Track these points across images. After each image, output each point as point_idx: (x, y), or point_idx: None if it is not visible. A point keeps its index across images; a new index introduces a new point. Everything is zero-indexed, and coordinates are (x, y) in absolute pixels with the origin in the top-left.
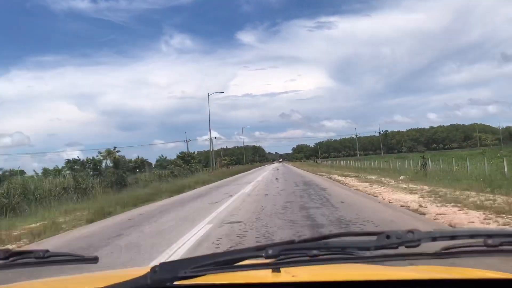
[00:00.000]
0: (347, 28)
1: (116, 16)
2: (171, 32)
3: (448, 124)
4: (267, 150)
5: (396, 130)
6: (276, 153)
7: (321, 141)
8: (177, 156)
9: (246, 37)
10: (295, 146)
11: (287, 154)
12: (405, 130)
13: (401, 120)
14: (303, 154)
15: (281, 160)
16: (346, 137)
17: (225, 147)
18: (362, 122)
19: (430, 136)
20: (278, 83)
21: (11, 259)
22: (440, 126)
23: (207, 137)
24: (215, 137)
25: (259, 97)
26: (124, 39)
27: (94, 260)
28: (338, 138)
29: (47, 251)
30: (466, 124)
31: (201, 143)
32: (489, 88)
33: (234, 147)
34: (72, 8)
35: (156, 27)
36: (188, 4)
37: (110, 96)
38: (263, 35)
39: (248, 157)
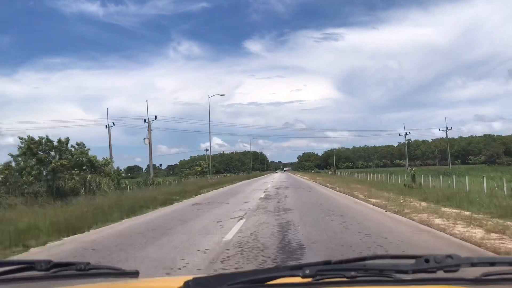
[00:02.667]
0: (354, 40)
1: (125, 20)
2: (179, 38)
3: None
4: (270, 159)
5: (420, 140)
6: (280, 162)
7: (331, 149)
8: None
9: (253, 46)
10: (301, 154)
11: (291, 163)
12: (430, 140)
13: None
14: (312, 163)
15: (285, 169)
16: (360, 146)
17: (222, 151)
18: (366, 134)
19: (463, 147)
20: (283, 93)
21: (52, 270)
22: (473, 137)
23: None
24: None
25: (264, 106)
26: (132, 43)
27: (135, 274)
28: (350, 147)
29: (88, 263)
30: (503, 135)
31: (204, 150)
32: (495, 105)
33: (232, 152)
34: (82, 11)
35: (164, 33)
36: (196, 11)
37: (116, 100)
38: (270, 44)
39: (248, 165)
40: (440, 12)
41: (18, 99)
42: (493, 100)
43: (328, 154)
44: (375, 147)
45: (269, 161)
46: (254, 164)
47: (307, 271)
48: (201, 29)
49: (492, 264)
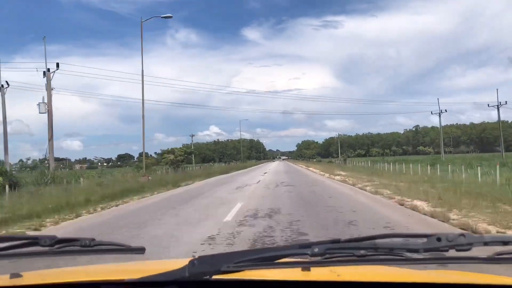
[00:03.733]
0: (353, 28)
1: (122, 8)
2: (177, 26)
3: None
4: (268, 147)
5: (429, 126)
6: (278, 150)
7: (332, 136)
8: None
9: (251, 33)
10: (300, 142)
11: (290, 152)
12: (436, 126)
13: (403, 122)
14: (313, 151)
15: (284, 158)
16: (363, 133)
17: (217, 139)
18: (365, 122)
19: (477, 135)
20: (282, 81)
21: (57, 246)
22: (487, 123)
23: (208, 132)
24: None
25: (263, 94)
26: (129, 31)
27: (141, 250)
28: (353, 134)
29: (93, 239)
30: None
31: (201, 138)
32: (494, 93)
33: (228, 140)
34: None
35: (162, 21)
36: None
37: (113, 88)
38: (269, 32)
39: (244, 154)
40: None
41: (13, 87)
42: (492, 88)
43: (329, 142)
44: (379, 134)
45: (267, 149)
46: (250, 152)
47: (316, 249)
48: (199, 17)
49: (506, 243)
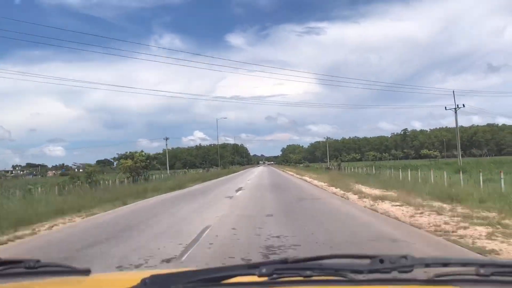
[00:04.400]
0: (336, 34)
1: (106, 12)
2: (161, 31)
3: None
4: (252, 153)
5: (418, 130)
6: (262, 155)
7: (318, 141)
8: None
9: (235, 39)
10: (285, 147)
11: (274, 157)
12: (428, 130)
13: (386, 127)
14: (299, 156)
15: (269, 163)
16: (350, 137)
17: (199, 144)
18: (348, 127)
19: (467, 138)
20: (266, 86)
21: (0, 268)
22: (477, 126)
23: (192, 137)
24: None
25: (247, 100)
26: (113, 36)
27: (86, 272)
28: (339, 138)
29: (38, 261)
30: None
31: (186, 143)
32: (473, 98)
33: (210, 145)
34: (62, 3)
35: (146, 26)
36: (178, 4)
37: (97, 93)
38: (253, 38)
39: (227, 158)
40: (420, 6)
41: None
42: (472, 94)
43: (315, 146)
44: (366, 138)
45: (251, 154)
46: (233, 157)
47: (264, 270)
48: (183, 22)
49: (445, 264)
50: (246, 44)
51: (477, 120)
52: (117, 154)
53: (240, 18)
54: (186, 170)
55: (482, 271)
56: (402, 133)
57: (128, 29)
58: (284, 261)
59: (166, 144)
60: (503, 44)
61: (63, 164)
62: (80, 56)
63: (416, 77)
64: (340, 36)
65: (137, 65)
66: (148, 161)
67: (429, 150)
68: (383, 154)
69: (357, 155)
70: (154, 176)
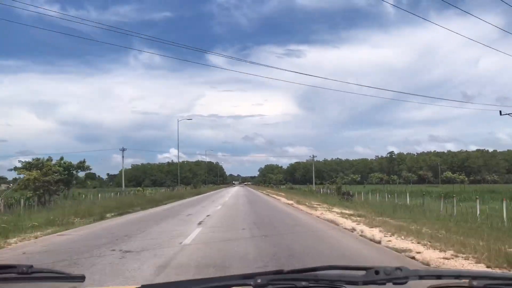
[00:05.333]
0: (316, 57)
1: (85, 26)
2: (140, 46)
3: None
4: (229, 172)
5: (405, 153)
6: (239, 175)
7: (298, 161)
8: None
9: (215, 58)
10: (263, 167)
11: (251, 177)
12: (415, 154)
13: (362, 151)
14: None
15: (246, 183)
16: (332, 158)
17: (171, 161)
18: (324, 150)
19: (458, 163)
20: (244, 106)
21: None
22: (468, 152)
23: (168, 154)
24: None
25: (225, 119)
26: (91, 49)
27: (81, 278)
28: (321, 159)
29: (31, 266)
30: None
31: (161, 160)
32: (449, 126)
33: (183, 162)
34: (40, 14)
35: (125, 41)
36: (159, 20)
37: (71, 106)
38: (233, 57)
39: (201, 177)
40: (399, 34)
41: None
42: (446, 122)
43: (294, 167)
44: (348, 160)
45: (227, 174)
46: (207, 176)
47: (259, 280)
48: (163, 39)
49: (439, 277)
50: (226, 63)
51: (451, 148)
52: (20, 161)
53: (221, 37)
54: (140, 189)
55: (475, 283)
56: (388, 156)
57: (107, 43)
58: (280, 272)
59: (123, 156)
60: (477, 73)
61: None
62: (55, 68)
63: (393, 102)
64: (319, 59)
65: (113, 80)
66: (67, 172)
67: (453, 173)
68: (391, 176)
69: (356, 176)
70: (83, 196)
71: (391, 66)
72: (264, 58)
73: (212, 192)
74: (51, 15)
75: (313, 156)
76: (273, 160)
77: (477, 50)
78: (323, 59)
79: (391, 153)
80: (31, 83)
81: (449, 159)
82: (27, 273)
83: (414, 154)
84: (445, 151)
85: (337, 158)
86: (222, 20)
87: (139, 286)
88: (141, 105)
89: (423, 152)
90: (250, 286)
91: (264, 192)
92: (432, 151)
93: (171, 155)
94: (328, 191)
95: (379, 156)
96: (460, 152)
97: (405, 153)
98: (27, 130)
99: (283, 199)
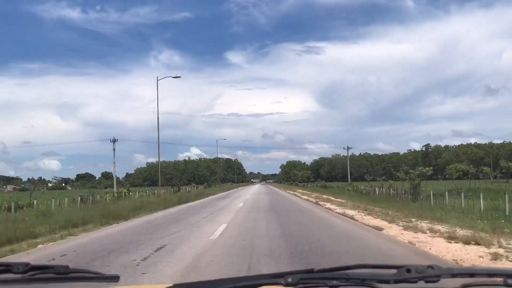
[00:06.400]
0: (335, 54)
1: (105, 28)
2: (160, 47)
3: None
4: (249, 170)
5: (442, 145)
6: (259, 173)
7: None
8: None
9: (234, 57)
10: (284, 163)
11: (272, 175)
12: (453, 146)
13: (383, 147)
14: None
15: (269, 181)
16: (360, 153)
17: (187, 157)
18: (345, 146)
19: (506, 155)
20: (264, 104)
21: (30, 273)
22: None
23: (188, 153)
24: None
25: (245, 117)
26: (112, 51)
27: (115, 278)
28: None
29: (67, 267)
30: None
31: (180, 159)
32: (471, 121)
33: (200, 159)
34: (62, 17)
35: (145, 42)
36: (178, 20)
37: (93, 108)
38: (252, 56)
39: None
40: (419, 29)
41: None
42: (470, 117)
43: (319, 163)
44: (377, 155)
45: (248, 172)
46: (226, 174)
47: (289, 279)
48: (183, 39)
49: (472, 275)
50: (245, 62)
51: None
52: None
53: (240, 36)
54: (125, 190)
55: (510, 281)
56: (423, 149)
57: (127, 44)
58: (310, 271)
59: (114, 149)
60: (501, 66)
61: (40, 177)
62: (77, 70)
63: (414, 98)
64: (339, 56)
65: (134, 81)
66: None
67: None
68: (480, 168)
69: (428, 169)
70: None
71: (412, 61)
72: (283, 55)
73: (216, 196)
74: (72, 17)
75: (348, 148)
76: (293, 158)
77: (500, 43)
78: (342, 55)
79: (427, 145)
80: (54, 86)
81: (493, 151)
82: (63, 273)
83: (452, 147)
84: (486, 143)
85: (366, 152)
86: (240, 19)
87: (171, 285)
88: (161, 105)
89: (461, 144)
90: (281, 285)
91: (294, 193)
92: (473, 143)
93: (192, 153)
94: (396, 191)
95: (412, 150)
96: (503, 144)
97: (442, 146)
98: (51, 132)
99: (356, 214)
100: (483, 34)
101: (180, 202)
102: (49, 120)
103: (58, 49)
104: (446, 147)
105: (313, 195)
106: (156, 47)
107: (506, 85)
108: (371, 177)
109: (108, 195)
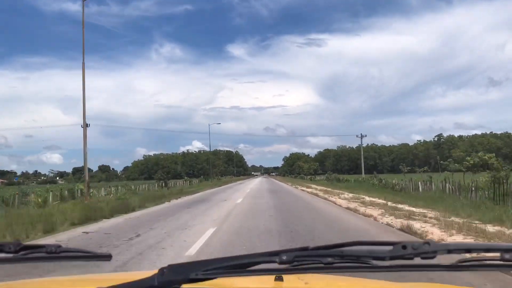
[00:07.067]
0: (337, 46)
1: (107, 21)
2: (162, 40)
3: None
4: (251, 163)
5: (456, 135)
6: (261, 166)
7: (327, 148)
8: None
9: (236, 50)
10: (287, 156)
11: (274, 168)
12: (466, 135)
13: (385, 140)
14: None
15: (271, 174)
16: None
17: (186, 150)
18: (347, 140)
19: None
20: (266, 97)
21: (21, 252)
22: None
23: (190, 146)
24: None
25: (247, 110)
26: (113, 44)
27: (107, 257)
28: (354, 146)
29: (59, 246)
30: None
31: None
32: (474, 113)
33: (200, 151)
34: (63, 10)
35: (147, 35)
36: (179, 13)
37: (95, 101)
38: (253, 49)
39: (219, 167)
40: (421, 21)
41: None
42: (472, 109)
43: (323, 155)
44: (384, 146)
45: (250, 165)
46: (227, 166)
47: (284, 257)
48: (184, 32)
49: (468, 250)
50: (247, 55)
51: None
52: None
53: (241, 28)
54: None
55: (507, 256)
56: (435, 139)
57: (129, 37)
58: (305, 249)
59: (85, 135)
60: (504, 58)
61: (35, 171)
62: (79, 63)
63: (417, 90)
64: (340, 48)
65: (136, 74)
66: None
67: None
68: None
69: (491, 156)
70: None
71: (414, 53)
72: (285, 48)
73: (193, 197)
74: (73, 10)
75: (362, 136)
76: (294, 151)
77: (503, 35)
78: (344, 48)
79: (440, 135)
80: (56, 79)
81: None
82: (55, 252)
83: (466, 137)
84: (504, 132)
85: (373, 144)
86: (242, 11)
87: (166, 266)
88: (163, 98)
89: (475, 134)
90: (275, 263)
91: (311, 191)
92: (489, 132)
93: (193, 147)
94: (456, 188)
95: (422, 141)
96: None
97: (456, 136)
98: (54, 126)
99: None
100: (486, 25)
101: (112, 214)
102: (50, 113)
103: (59, 42)
104: (460, 137)
105: (346, 196)
106: (158, 40)
107: (509, 76)
108: (408, 168)
109: (66, 192)
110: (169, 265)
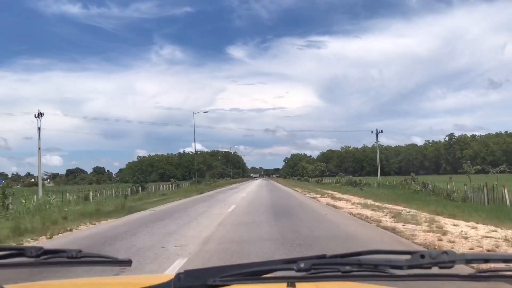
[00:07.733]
0: (337, 48)
1: (107, 23)
2: (162, 42)
3: None
4: (250, 165)
5: (468, 135)
6: (261, 167)
7: (331, 149)
8: None
9: (236, 51)
10: (289, 156)
11: (275, 170)
12: (478, 135)
13: (386, 142)
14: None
15: (272, 176)
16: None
17: (182, 151)
18: (347, 141)
19: None
20: (266, 99)
21: (43, 257)
22: None
23: (190, 149)
24: None
25: (246, 112)
26: (113, 46)
27: (127, 262)
28: (359, 147)
29: (80, 251)
30: None
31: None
32: (474, 115)
33: (197, 152)
34: (63, 12)
35: (147, 37)
36: (180, 15)
37: (96, 103)
38: (254, 51)
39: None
40: (421, 22)
41: None
42: (472, 110)
43: (326, 156)
44: (390, 146)
45: (249, 167)
46: (225, 168)
47: (302, 265)
48: (184, 34)
49: (486, 260)
50: (247, 57)
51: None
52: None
53: (241, 30)
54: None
55: None
56: (446, 139)
57: (129, 39)
58: (322, 256)
59: (39, 127)
60: (504, 60)
61: (28, 173)
62: (79, 65)
63: (417, 92)
64: (341, 50)
65: (136, 76)
66: None
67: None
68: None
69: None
70: None
71: (415, 55)
72: (285, 50)
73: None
74: (73, 12)
75: (377, 132)
76: (295, 152)
77: (503, 36)
78: (344, 49)
79: (451, 135)
80: (56, 81)
81: None
82: (76, 257)
83: (478, 136)
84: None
85: (379, 144)
86: (242, 13)
87: (182, 271)
88: (163, 100)
89: (489, 134)
90: (293, 271)
91: (342, 205)
92: (504, 132)
93: (193, 149)
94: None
95: (431, 141)
96: None
97: (468, 135)
98: (54, 127)
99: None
100: (486, 27)
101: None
102: (50, 115)
103: (60, 44)
104: (473, 136)
105: (423, 216)
106: (158, 42)
107: (509, 78)
108: (477, 167)
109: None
110: (186, 271)
